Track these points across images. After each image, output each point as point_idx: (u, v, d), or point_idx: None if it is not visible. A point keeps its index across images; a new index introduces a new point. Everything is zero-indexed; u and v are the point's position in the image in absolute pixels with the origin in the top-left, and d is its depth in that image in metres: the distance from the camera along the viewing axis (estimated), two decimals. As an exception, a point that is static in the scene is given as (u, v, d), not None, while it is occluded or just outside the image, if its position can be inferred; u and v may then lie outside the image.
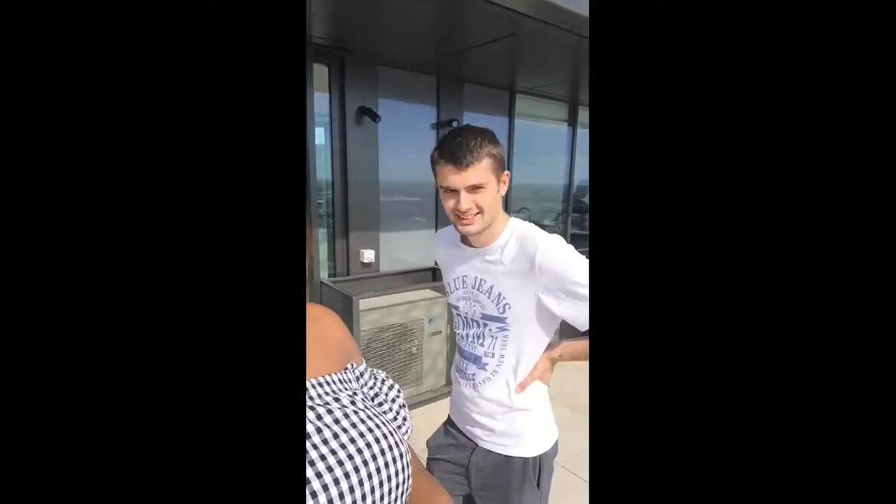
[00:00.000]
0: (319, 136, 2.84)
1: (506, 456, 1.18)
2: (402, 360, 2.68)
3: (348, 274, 2.95)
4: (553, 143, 4.37)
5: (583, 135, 4.48)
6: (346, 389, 0.60)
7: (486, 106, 3.63)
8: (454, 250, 1.22)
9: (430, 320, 2.72)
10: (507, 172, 1.08)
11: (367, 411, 0.57)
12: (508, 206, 3.90)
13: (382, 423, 0.57)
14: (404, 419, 0.69)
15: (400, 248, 3.27)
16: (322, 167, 2.86)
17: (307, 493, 0.44)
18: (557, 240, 1.06)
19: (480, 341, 1.18)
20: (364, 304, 2.50)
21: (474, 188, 1.01)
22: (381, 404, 0.67)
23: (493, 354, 1.17)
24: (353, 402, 0.57)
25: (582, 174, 4.68)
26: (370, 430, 0.54)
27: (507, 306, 1.10)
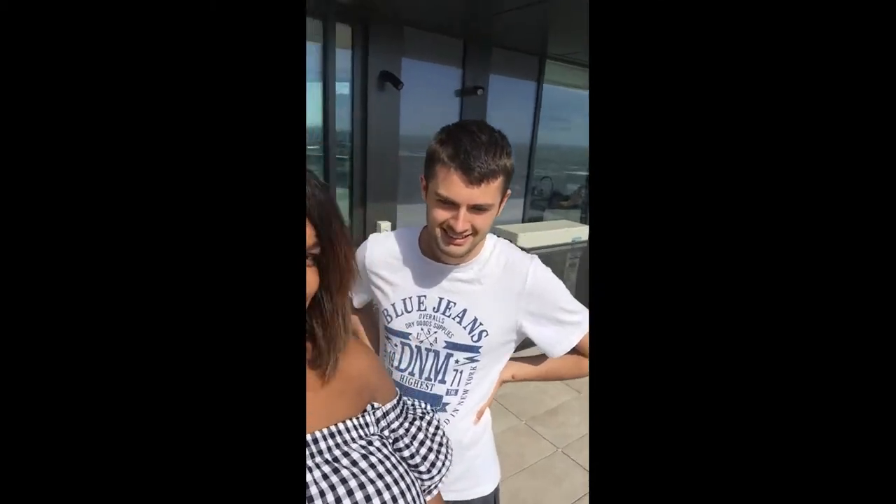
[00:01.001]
0: (344, 88, 2.73)
1: (465, 501, 1.03)
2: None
3: (364, 244, 2.94)
4: (580, 107, 4.19)
5: (613, 102, 4.26)
6: (360, 438, 0.56)
7: (514, 70, 3.46)
8: (408, 262, 0.98)
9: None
10: (509, 191, 0.90)
11: (383, 465, 0.54)
12: (530, 171, 3.81)
13: (399, 477, 0.54)
14: (432, 464, 0.64)
15: (421, 219, 3.23)
16: (343, 119, 2.78)
17: None
18: (540, 262, 0.97)
19: (441, 377, 0.97)
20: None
21: (478, 208, 0.82)
22: (400, 450, 0.62)
23: (456, 391, 0.97)
24: (365, 456, 0.53)
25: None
26: (378, 493, 0.50)
27: (484, 333, 0.92)
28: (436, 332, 0.95)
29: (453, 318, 0.93)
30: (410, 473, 0.57)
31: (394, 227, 3.05)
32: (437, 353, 0.96)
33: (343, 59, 2.66)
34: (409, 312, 0.96)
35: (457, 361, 0.95)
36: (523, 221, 3.89)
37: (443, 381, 0.97)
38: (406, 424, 0.66)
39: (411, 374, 0.99)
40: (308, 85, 2.67)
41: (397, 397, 0.68)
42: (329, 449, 0.53)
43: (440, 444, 0.67)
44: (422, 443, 0.65)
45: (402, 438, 0.63)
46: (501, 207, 0.90)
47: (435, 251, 0.92)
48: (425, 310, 0.95)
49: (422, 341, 0.96)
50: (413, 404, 0.72)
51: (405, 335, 0.97)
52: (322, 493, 0.47)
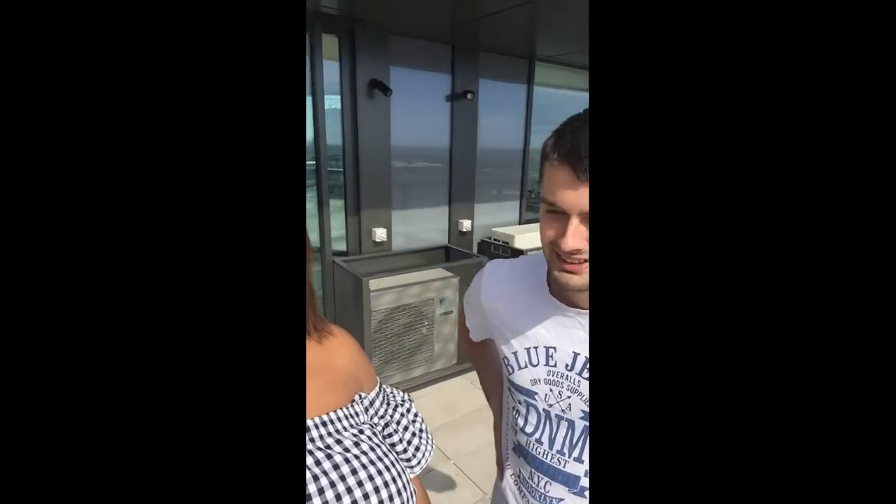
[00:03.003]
0: (333, 101, 2.76)
1: None
2: (413, 341, 2.71)
3: (360, 252, 2.95)
4: (572, 108, 4.19)
5: (605, 101, 4.28)
6: (351, 427, 0.58)
7: (504, 74, 3.48)
8: (532, 301, 0.75)
9: (440, 300, 2.72)
10: None
11: (374, 452, 0.55)
12: (525, 174, 3.81)
13: (390, 464, 0.55)
14: (416, 448, 0.67)
15: (415, 225, 3.24)
16: (334, 133, 2.79)
17: None
18: None
19: (577, 454, 0.73)
20: (374, 284, 2.51)
21: None
22: (390, 435, 0.65)
23: None
24: (357, 444, 0.55)
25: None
26: (370, 478, 0.52)
27: None
28: (569, 397, 0.72)
29: None
30: (400, 462, 0.59)
31: (389, 233, 3.05)
32: (571, 423, 0.73)
33: (331, 70, 2.68)
34: (535, 367, 0.75)
35: None
36: (520, 223, 3.89)
37: (580, 460, 0.73)
38: (390, 411, 0.68)
39: (539, 441, 0.77)
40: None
41: (378, 385, 0.70)
42: (321, 437, 0.54)
43: (420, 430, 0.69)
44: (406, 428, 0.67)
45: (390, 425, 0.65)
46: None
47: (563, 289, 0.70)
48: (555, 366, 0.73)
49: (551, 405, 0.74)
50: (392, 391, 0.73)
51: (531, 394, 0.76)
52: (315, 478, 0.49)
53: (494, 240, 3.48)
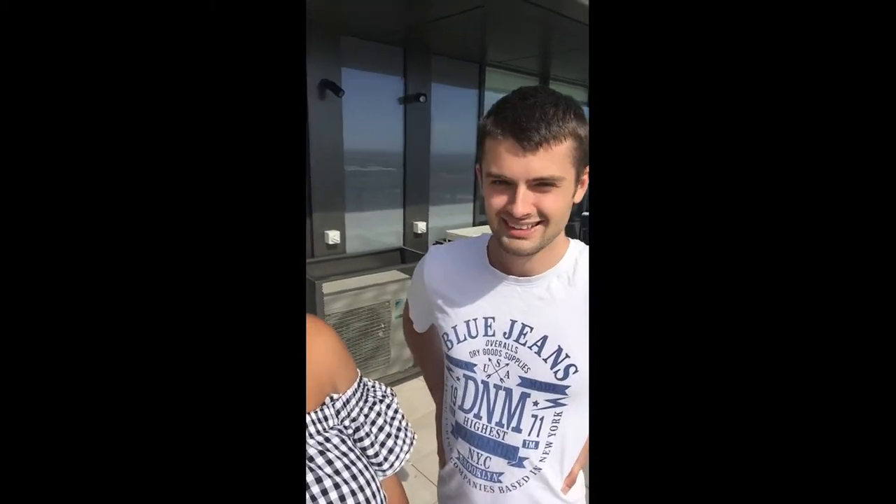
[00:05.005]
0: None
1: None
2: (370, 345, 2.68)
3: (313, 255, 2.89)
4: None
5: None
6: (318, 433, 0.56)
7: (456, 78, 3.52)
8: (473, 276, 0.78)
9: (396, 303, 2.71)
10: (587, 169, 0.67)
11: (341, 461, 0.53)
12: (477, 181, 3.84)
13: (358, 472, 0.54)
14: (389, 451, 0.64)
15: (369, 228, 3.21)
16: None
17: None
18: None
19: (515, 424, 0.76)
20: (328, 287, 2.46)
21: (542, 184, 0.61)
22: (361, 439, 0.62)
23: (537, 444, 0.76)
24: (322, 452, 0.53)
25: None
26: (336, 487, 0.50)
27: (572, 369, 0.70)
28: (507, 365, 0.74)
29: (529, 348, 0.72)
30: (370, 468, 0.57)
31: (343, 236, 3.00)
32: (508, 392, 0.75)
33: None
34: (474, 338, 0.76)
35: (535, 404, 0.74)
36: (474, 225, 3.93)
37: (518, 430, 0.76)
38: (366, 410, 0.65)
39: (477, 416, 0.78)
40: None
41: (358, 380, 0.67)
42: None
43: (398, 429, 0.67)
44: (381, 428, 0.64)
45: (363, 427, 0.62)
46: (580, 192, 0.68)
47: (503, 258, 0.73)
48: (493, 335, 0.75)
49: (489, 375, 0.76)
50: (374, 386, 0.70)
51: (469, 366, 0.77)
52: None
53: (449, 241, 3.50)
